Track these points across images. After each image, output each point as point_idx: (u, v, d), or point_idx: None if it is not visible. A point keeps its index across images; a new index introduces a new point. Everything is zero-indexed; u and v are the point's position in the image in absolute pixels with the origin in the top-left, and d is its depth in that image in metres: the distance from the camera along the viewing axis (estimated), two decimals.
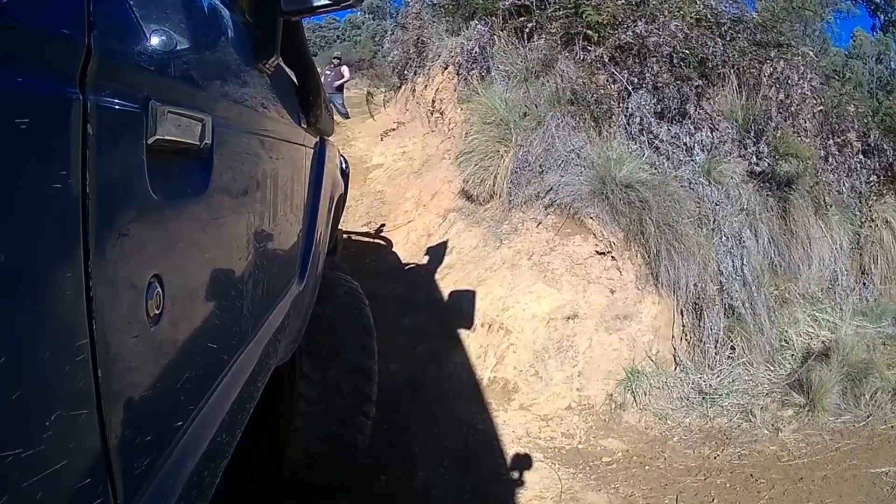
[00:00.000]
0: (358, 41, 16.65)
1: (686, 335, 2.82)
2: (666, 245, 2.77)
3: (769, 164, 3.31)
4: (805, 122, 3.49)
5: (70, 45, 0.39)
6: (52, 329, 0.38)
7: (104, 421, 0.43)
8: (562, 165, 3.17)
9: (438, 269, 3.19)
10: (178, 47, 0.54)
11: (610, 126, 3.34)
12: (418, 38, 4.96)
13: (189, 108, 0.58)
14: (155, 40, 0.51)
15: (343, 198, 2.06)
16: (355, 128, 6.15)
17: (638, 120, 3.36)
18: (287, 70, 1.19)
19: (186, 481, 0.58)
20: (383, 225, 4.08)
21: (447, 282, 3.08)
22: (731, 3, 3.88)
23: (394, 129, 5.12)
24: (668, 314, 2.81)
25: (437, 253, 3.33)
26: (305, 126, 1.29)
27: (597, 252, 2.87)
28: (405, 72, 5.28)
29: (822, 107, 3.57)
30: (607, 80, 3.49)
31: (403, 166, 4.65)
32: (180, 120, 0.56)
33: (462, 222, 3.47)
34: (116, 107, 0.45)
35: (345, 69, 8.47)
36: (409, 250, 3.61)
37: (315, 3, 0.88)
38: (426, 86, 4.72)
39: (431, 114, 4.61)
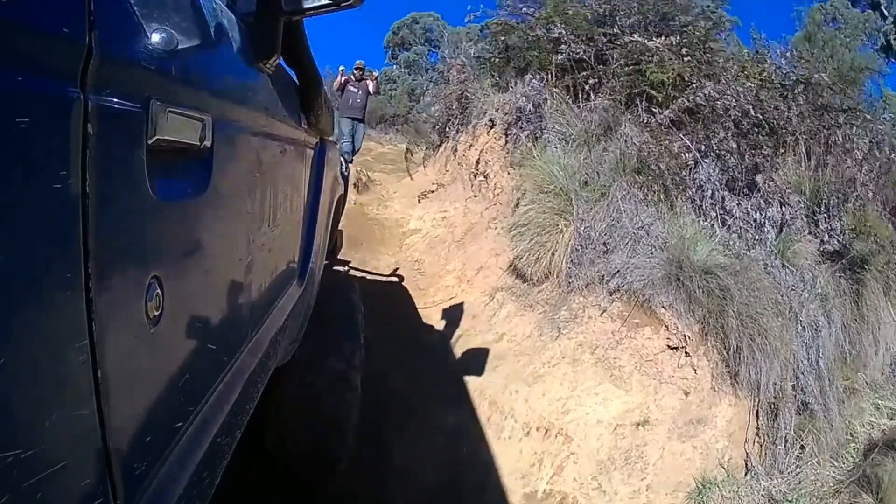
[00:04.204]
0: (393, 95, 16.53)
1: (760, 437, 2.53)
2: (748, 340, 2.43)
3: (841, 243, 2.99)
4: (877, 195, 3.18)
5: (70, 45, 0.38)
6: (52, 329, 0.38)
7: (104, 421, 0.43)
8: (630, 244, 2.79)
9: (488, 360, 2.78)
10: (178, 47, 0.54)
11: (682, 199, 3.04)
12: (462, 94, 4.60)
13: (189, 108, 0.58)
14: (155, 40, 0.51)
15: (343, 198, 2.06)
16: (391, 187, 5.73)
17: (709, 193, 3.02)
18: (287, 70, 1.19)
19: (186, 481, 0.58)
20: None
21: (496, 375, 2.67)
22: (796, 64, 3.63)
23: (433, 192, 4.77)
24: (743, 416, 2.51)
25: (485, 338, 2.93)
26: (305, 126, 1.29)
27: (668, 347, 2.53)
28: (446, 129, 4.89)
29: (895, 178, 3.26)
30: (680, 148, 3.16)
31: (444, 233, 4.21)
32: (180, 120, 0.56)
33: (512, 304, 3.04)
34: (117, 107, 0.45)
35: (370, 84, 6.80)
36: (450, 331, 3.15)
37: (315, 3, 0.89)
38: (470, 145, 4.37)
39: (475, 177, 4.24)
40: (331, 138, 1.68)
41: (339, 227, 2.30)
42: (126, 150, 0.47)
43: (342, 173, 2.01)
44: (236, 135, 0.76)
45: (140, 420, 0.51)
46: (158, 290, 0.51)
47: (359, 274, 3.54)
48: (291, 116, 1.15)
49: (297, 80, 1.24)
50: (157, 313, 0.51)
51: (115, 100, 0.44)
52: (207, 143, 0.62)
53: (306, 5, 0.88)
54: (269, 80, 0.95)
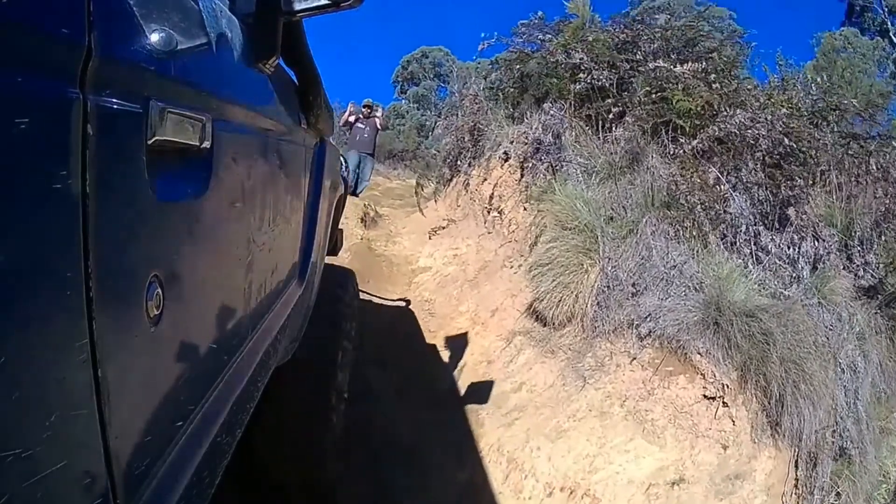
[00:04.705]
0: (402, 130, 16.44)
1: (798, 488, 2.40)
2: (791, 387, 2.28)
3: (876, 277, 2.85)
4: None
5: (70, 45, 0.39)
6: (53, 329, 0.38)
7: (104, 421, 0.43)
8: (661, 285, 2.59)
9: (506, 412, 2.57)
10: (178, 47, 0.54)
11: (714, 236, 2.87)
12: (474, 126, 4.41)
13: (189, 108, 0.58)
14: (155, 40, 0.51)
15: (343, 198, 2.06)
16: (399, 222, 5.55)
17: (743, 228, 2.84)
18: (287, 70, 1.19)
19: (186, 481, 0.58)
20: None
21: (516, 429, 2.45)
22: (825, 90, 3.50)
23: (443, 228, 4.57)
24: (783, 468, 2.35)
25: (503, 388, 2.73)
26: (305, 126, 1.29)
27: (705, 397, 2.36)
28: (458, 162, 4.71)
29: None
30: (714, 180, 2.99)
31: (455, 272, 3.98)
32: (180, 120, 0.56)
33: (531, 350, 2.82)
34: (116, 107, 0.45)
35: (378, 120, 6.97)
36: (463, 379, 2.90)
37: (315, 4, 0.89)
38: (483, 179, 4.20)
39: (488, 212, 4.05)
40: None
41: (339, 227, 2.30)
42: (126, 151, 0.47)
43: (342, 175, 2.01)
44: (236, 135, 0.76)
45: (140, 420, 0.51)
46: (158, 290, 0.51)
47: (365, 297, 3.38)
48: (291, 116, 1.16)
49: (296, 81, 1.24)
50: (157, 313, 0.51)
51: (115, 100, 0.44)
52: (207, 143, 0.62)
53: (305, 6, 0.88)
54: (269, 80, 0.95)
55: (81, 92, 0.39)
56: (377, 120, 6.94)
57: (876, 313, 2.82)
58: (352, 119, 6.85)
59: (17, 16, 0.33)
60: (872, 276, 2.88)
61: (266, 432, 1.46)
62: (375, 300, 3.63)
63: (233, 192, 0.74)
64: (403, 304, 3.62)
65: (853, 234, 2.97)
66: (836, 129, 3.27)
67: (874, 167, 3.06)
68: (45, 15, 0.36)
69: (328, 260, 1.84)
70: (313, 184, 1.41)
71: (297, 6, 0.88)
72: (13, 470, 0.33)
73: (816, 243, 2.88)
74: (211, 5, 0.71)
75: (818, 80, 3.68)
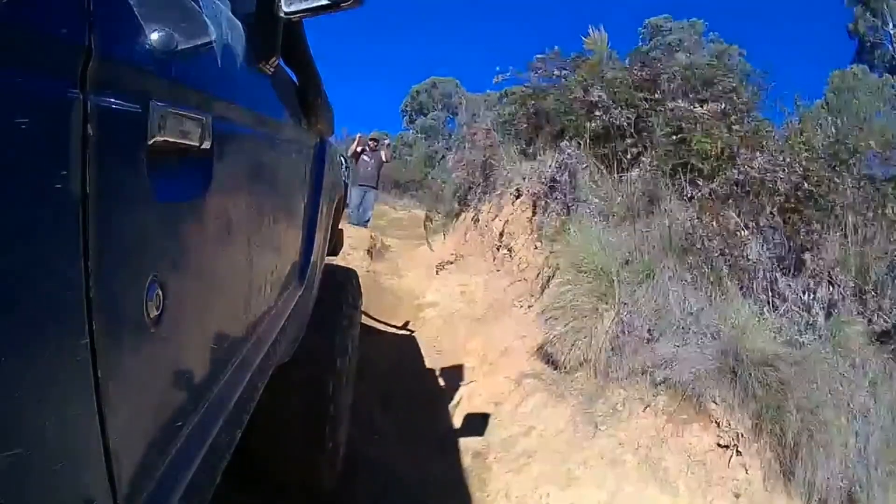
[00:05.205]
0: (409, 161, 16.28)
1: None
2: (806, 436, 2.28)
3: (889, 322, 2.82)
4: None
5: (70, 45, 0.39)
6: (53, 329, 0.38)
7: (104, 421, 0.43)
8: (678, 333, 2.56)
9: (515, 457, 2.49)
10: (178, 47, 0.54)
11: (732, 282, 2.83)
12: (486, 160, 4.35)
13: (189, 108, 0.58)
14: (155, 41, 0.51)
15: (343, 198, 2.06)
16: (406, 254, 5.45)
17: (761, 274, 2.81)
18: (287, 70, 1.19)
19: (186, 481, 0.58)
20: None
21: (525, 475, 2.37)
22: (843, 132, 3.44)
23: (451, 263, 4.49)
24: None
25: (511, 431, 2.64)
26: (305, 126, 1.29)
27: (718, 445, 2.35)
28: (468, 197, 4.66)
29: None
30: (735, 226, 2.94)
31: (463, 309, 3.90)
32: (180, 120, 0.56)
33: (542, 393, 2.76)
34: (116, 108, 0.45)
35: (383, 153, 7.12)
36: (471, 421, 2.78)
37: (315, 4, 0.89)
38: (494, 216, 4.14)
39: (498, 249, 3.99)
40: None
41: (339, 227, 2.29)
42: (126, 151, 0.47)
43: (341, 178, 2.01)
44: (236, 135, 0.76)
45: (140, 420, 0.51)
46: (158, 290, 0.51)
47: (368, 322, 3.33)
48: (291, 116, 1.16)
49: (296, 81, 1.24)
50: (157, 313, 0.51)
51: (115, 101, 0.44)
52: (207, 143, 0.62)
53: (306, 6, 0.88)
54: (269, 80, 0.95)
55: (81, 92, 0.39)
56: (382, 153, 7.06)
57: (888, 357, 2.81)
58: (359, 150, 6.97)
59: (17, 16, 0.33)
60: (886, 321, 2.85)
61: (266, 432, 1.45)
62: (379, 330, 3.57)
63: (233, 192, 0.74)
64: (407, 332, 3.58)
65: (868, 278, 2.93)
66: (854, 172, 3.23)
67: (890, 210, 3.02)
68: (45, 15, 0.36)
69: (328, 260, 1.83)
70: (313, 184, 1.41)
71: (298, 7, 0.88)
72: (13, 470, 0.33)
73: (831, 288, 2.86)
74: (211, 5, 0.71)
75: (837, 122, 3.63)
